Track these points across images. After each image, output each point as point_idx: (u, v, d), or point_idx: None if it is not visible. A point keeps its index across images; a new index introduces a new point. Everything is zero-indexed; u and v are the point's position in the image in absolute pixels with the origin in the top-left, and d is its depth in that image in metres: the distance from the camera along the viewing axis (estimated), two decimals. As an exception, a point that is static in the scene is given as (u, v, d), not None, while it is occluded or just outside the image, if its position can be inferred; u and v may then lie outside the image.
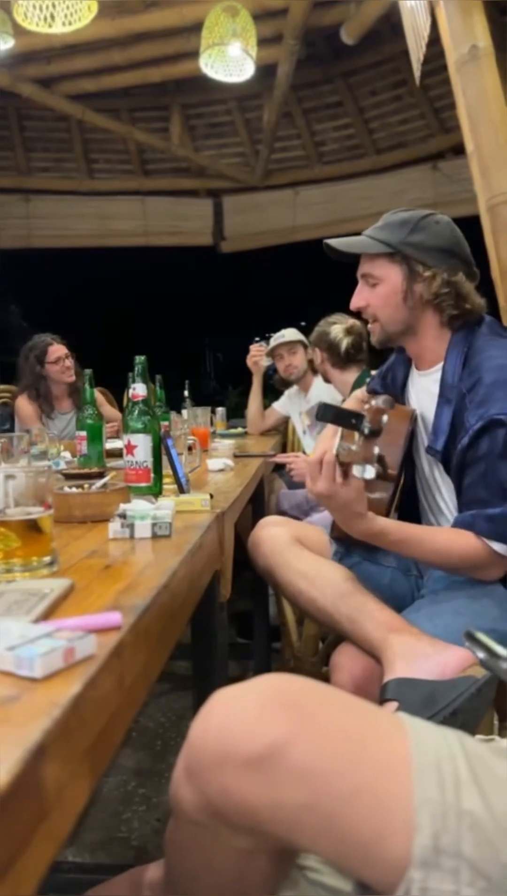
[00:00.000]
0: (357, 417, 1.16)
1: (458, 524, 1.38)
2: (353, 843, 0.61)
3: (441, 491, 1.58)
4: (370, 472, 1.17)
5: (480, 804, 0.61)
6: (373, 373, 2.75)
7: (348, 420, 1.16)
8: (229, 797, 0.61)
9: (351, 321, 2.78)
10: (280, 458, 2.88)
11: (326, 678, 2.24)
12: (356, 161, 6.48)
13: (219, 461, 2.15)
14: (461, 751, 0.66)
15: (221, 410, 3.68)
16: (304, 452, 3.45)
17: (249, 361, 3.54)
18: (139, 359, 1.63)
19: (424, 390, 1.58)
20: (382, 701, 1.20)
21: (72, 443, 2.73)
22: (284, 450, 3.65)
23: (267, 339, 3.50)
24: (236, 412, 4.93)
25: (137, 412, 1.61)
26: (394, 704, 1.16)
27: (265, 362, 3.51)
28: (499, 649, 0.80)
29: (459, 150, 6.21)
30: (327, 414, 1.17)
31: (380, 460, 1.20)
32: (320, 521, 2.06)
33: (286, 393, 3.61)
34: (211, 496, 1.45)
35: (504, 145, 2.82)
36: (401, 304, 1.52)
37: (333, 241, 1.58)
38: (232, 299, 9.13)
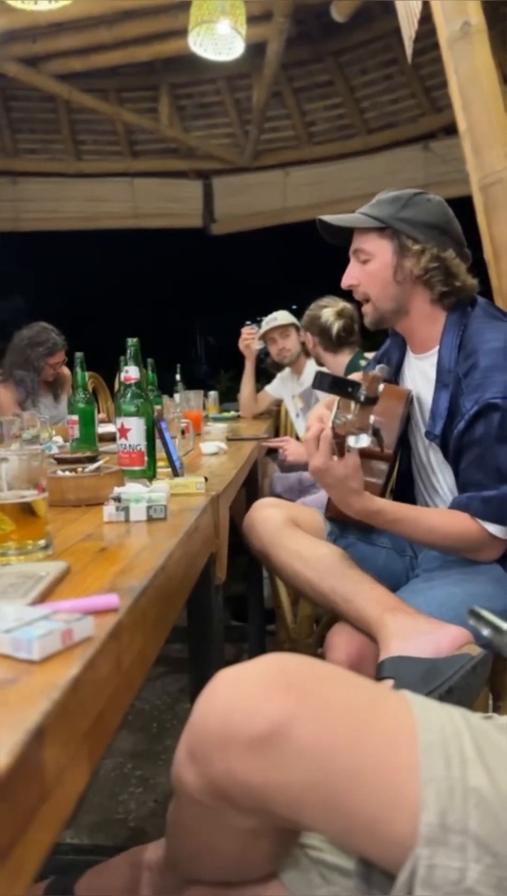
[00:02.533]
0: (353, 385, 1.16)
1: (454, 506, 1.39)
2: (359, 822, 0.61)
3: (437, 474, 1.58)
4: (365, 440, 1.17)
5: (486, 781, 0.61)
6: (367, 355, 2.75)
7: (344, 388, 1.17)
8: (234, 778, 0.61)
9: (341, 304, 2.77)
10: (272, 443, 2.87)
11: (322, 659, 2.25)
12: (347, 141, 6.43)
13: (212, 444, 2.14)
14: (465, 728, 0.66)
15: (213, 394, 3.66)
16: (297, 437, 3.45)
17: (242, 345, 3.52)
18: (132, 341, 1.61)
19: (420, 374, 1.58)
20: (377, 679, 1.20)
21: (63, 427, 2.72)
22: (276, 433, 3.64)
23: (259, 323, 3.48)
24: (228, 396, 4.91)
25: (129, 395, 1.59)
26: (390, 682, 1.17)
27: (258, 346, 3.50)
28: (505, 626, 0.80)
29: (450, 129, 6.18)
30: (323, 382, 1.17)
31: (376, 432, 1.20)
32: (313, 503, 2.05)
33: (279, 376, 3.59)
34: (206, 479, 1.45)
35: (497, 124, 2.80)
36: (391, 280, 1.52)
37: (325, 217, 1.57)
38: (223, 282, 9.08)
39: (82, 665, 0.60)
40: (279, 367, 3.50)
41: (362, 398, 1.15)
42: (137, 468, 1.55)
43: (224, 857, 0.70)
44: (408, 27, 3.17)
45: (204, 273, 8.83)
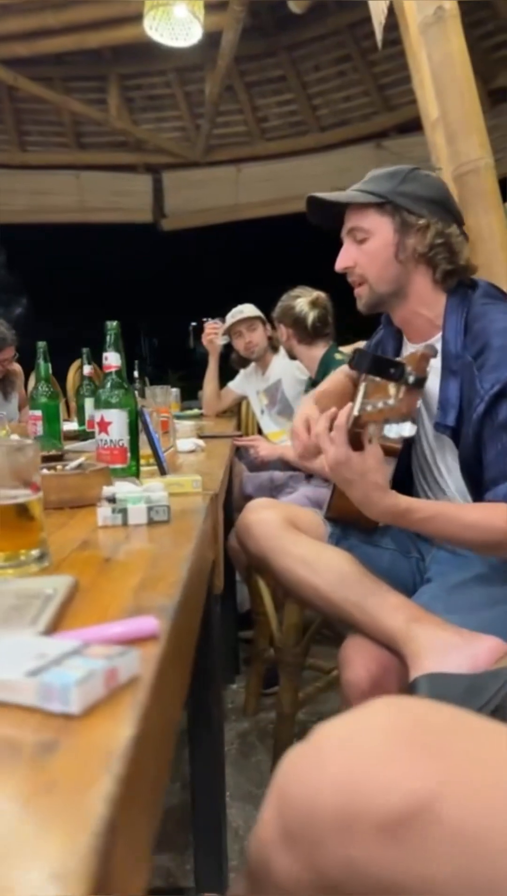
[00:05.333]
0: (396, 365, 1.01)
1: (493, 498, 1.25)
2: None
3: (443, 471, 1.45)
4: (409, 429, 1.02)
5: None
6: (342, 349, 2.63)
7: (386, 368, 1.01)
8: (355, 869, 0.46)
9: (316, 293, 2.64)
10: (244, 441, 2.73)
11: (316, 669, 2.11)
12: (300, 138, 6.33)
13: (189, 441, 1.99)
14: None
15: (175, 391, 3.50)
16: (260, 432, 3.32)
17: (205, 340, 3.37)
18: (111, 325, 1.45)
19: None
20: (412, 701, 1.07)
21: (20, 425, 2.52)
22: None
23: (222, 317, 3.34)
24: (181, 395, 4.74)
25: (110, 385, 1.43)
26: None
27: (222, 341, 3.35)
28: None
29: (403, 128, 6.16)
30: (362, 361, 1.01)
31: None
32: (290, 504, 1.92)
33: (242, 372, 3.45)
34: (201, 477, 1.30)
35: (472, 111, 2.71)
36: (392, 260, 1.39)
37: (318, 194, 1.44)
38: (172, 280, 8.89)
39: (138, 717, 0.44)
40: (245, 362, 3.35)
41: (410, 380, 0.99)
42: (118, 466, 1.39)
43: None
44: (379, 12, 3.06)
45: (153, 270, 8.63)
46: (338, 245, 1.50)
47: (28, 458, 0.79)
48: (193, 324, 3.45)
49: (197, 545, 0.89)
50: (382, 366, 1.00)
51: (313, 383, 2.64)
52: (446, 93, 2.74)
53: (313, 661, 2.08)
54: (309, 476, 2.63)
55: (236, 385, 3.49)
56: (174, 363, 8.13)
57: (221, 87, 5.44)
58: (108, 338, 1.45)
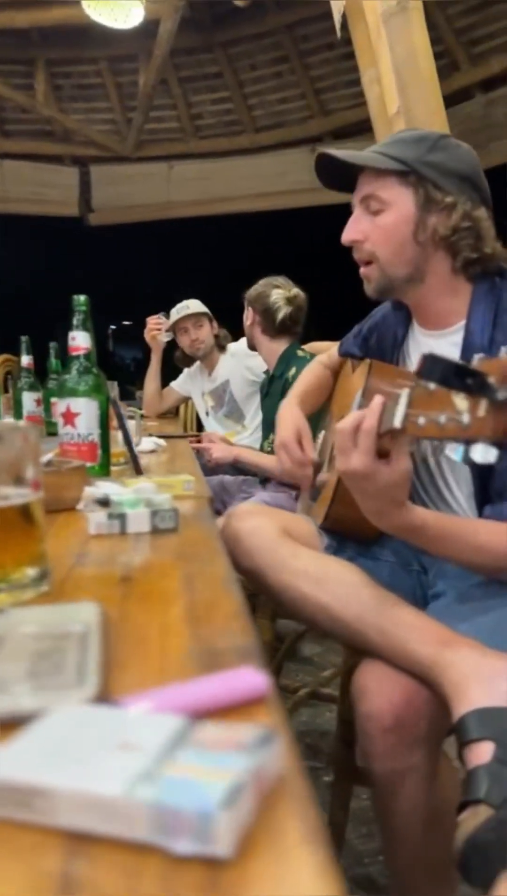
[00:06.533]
0: (474, 375, 0.81)
1: (501, 516, 1.11)
2: None
3: (450, 480, 1.30)
4: (493, 454, 0.83)
5: None
6: (305, 346, 2.48)
7: (463, 380, 0.81)
8: None
9: (295, 290, 2.47)
10: (202, 445, 2.55)
11: (281, 689, 1.93)
12: (234, 138, 6.20)
13: (149, 441, 1.79)
14: None
15: (114, 382, 3.26)
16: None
17: (147, 336, 3.16)
18: (79, 300, 1.24)
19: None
20: (464, 742, 0.91)
21: None
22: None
23: (166, 313, 3.14)
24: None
25: (77, 369, 1.22)
26: (488, 746, 0.88)
27: (165, 337, 3.15)
28: None
29: (338, 134, 6.11)
30: (434, 369, 0.80)
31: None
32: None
33: (186, 371, 3.26)
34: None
35: (435, 105, 2.63)
36: (409, 239, 1.22)
37: (332, 151, 1.26)
38: (98, 278, 8.58)
39: (319, 860, 0.26)
40: (189, 361, 3.16)
41: (499, 397, 0.80)
42: (87, 465, 1.19)
43: None
44: (339, 4, 2.95)
45: (77, 267, 8.30)
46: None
47: (26, 447, 0.59)
48: (113, 326, 3.23)
49: (228, 560, 0.70)
50: (459, 375, 0.81)
51: (270, 379, 2.48)
52: (409, 86, 2.65)
53: (282, 681, 1.91)
54: (265, 480, 2.47)
55: (179, 385, 3.29)
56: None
57: (156, 79, 5.25)
58: (75, 316, 1.24)
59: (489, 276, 1.26)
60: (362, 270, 1.30)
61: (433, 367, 0.78)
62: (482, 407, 0.77)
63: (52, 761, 0.29)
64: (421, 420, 0.85)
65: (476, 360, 0.80)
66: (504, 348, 0.81)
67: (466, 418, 0.79)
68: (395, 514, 1.03)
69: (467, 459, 0.82)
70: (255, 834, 0.28)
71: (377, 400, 1.00)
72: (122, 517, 0.81)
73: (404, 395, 0.90)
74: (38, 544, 0.59)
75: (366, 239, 1.25)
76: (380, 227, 1.23)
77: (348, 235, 1.27)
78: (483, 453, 0.79)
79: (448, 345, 1.26)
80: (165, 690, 0.38)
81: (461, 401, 0.80)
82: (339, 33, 2.89)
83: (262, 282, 2.46)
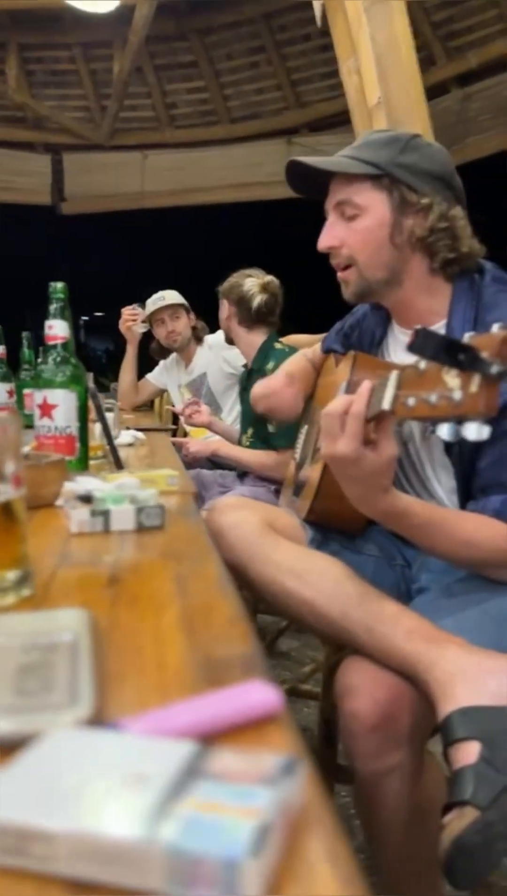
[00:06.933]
0: (467, 351, 0.79)
1: (485, 512, 1.09)
2: None
3: (432, 472, 1.28)
4: (486, 431, 0.81)
5: None
6: (283, 339, 2.45)
7: (454, 354, 0.79)
8: None
9: (268, 277, 2.44)
10: (178, 440, 2.51)
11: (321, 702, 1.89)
12: (210, 128, 6.13)
13: (127, 434, 1.75)
14: None
15: (90, 374, 3.20)
16: (178, 428, 3.10)
17: (122, 327, 3.10)
18: (56, 287, 1.20)
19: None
20: (450, 741, 0.89)
21: None
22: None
23: (142, 304, 3.08)
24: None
25: (54, 359, 1.18)
26: (474, 746, 0.86)
27: (141, 328, 3.09)
28: None
29: (314, 126, 6.07)
30: (426, 343, 0.78)
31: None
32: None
33: (162, 363, 3.21)
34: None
35: (416, 94, 2.61)
36: (386, 242, 1.20)
37: (303, 158, 1.24)
38: (70, 268, 8.44)
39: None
40: (166, 353, 3.11)
41: (492, 371, 0.78)
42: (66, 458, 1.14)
43: None
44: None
45: (49, 257, 8.17)
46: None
47: (6, 439, 0.55)
48: (85, 318, 3.16)
49: (220, 559, 0.67)
50: (451, 350, 0.79)
51: (249, 373, 2.44)
52: (389, 75, 2.62)
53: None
54: (243, 474, 2.44)
55: (156, 377, 3.24)
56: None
57: (132, 65, 5.16)
58: (52, 304, 1.20)
59: (468, 273, 1.24)
60: (340, 275, 1.28)
61: (426, 341, 0.76)
62: (475, 382, 0.76)
63: (49, 798, 0.26)
64: (411, 401, 0.83)
65: (467, 337, 0.78)
66: (496, 325, 0.79)
67: (457, 395, 0.77)
68: (380, 499, 1.01)
69: (457, 438, 0.80)
70: (280, 879, 0.24)
71: (366, 385, 0.97)
72: (105, 514, 0.78)
73: (393, 376, 0.88)
74: (20, 545, 0.56)
75: (342, 244, 1.23)
76: (356, 231, 1.22)
77: (324, 242, 1.26)
78: (477, 431, 0.77)
79: (430, 344, 1.24)
80: (169, 710, 0.35)
81: (451, 378, 0.78)
82: (320, 22, 2.86)
83: (234, 275, 2.43)
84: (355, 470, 0.98)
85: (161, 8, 5.02)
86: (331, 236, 1.24)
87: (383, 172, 1.19)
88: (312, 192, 1.29)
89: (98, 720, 0.34)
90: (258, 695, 0.36)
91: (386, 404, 0.88)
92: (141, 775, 0.27)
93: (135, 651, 0.45)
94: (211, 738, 0.32)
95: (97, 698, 0.36)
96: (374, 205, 1.20)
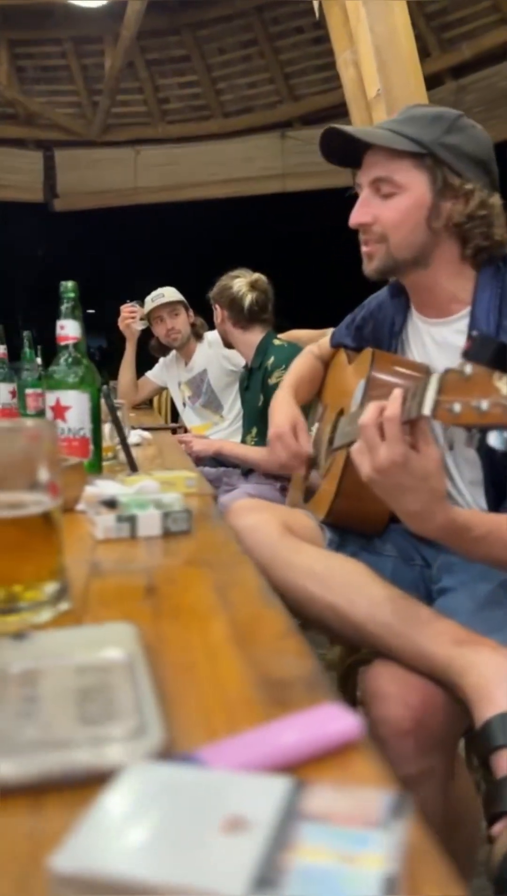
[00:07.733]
0: None
1: None
2: None
3: (455, 474, 1.25)
4: None
5: None
6: (281, 336, 2.42)
7: None
8: None
9: (256, 275, 2.43)
10: (181, 437, 2.48)
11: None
12: (202, 123, 6.09)
13: (134, 433, 1.72)
14: None
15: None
16: (184, 429, 3.07)
17: (121, 324, 3.07)
18: (67, 286, 1.17)
19: (436, 343, 1.24)
20: (492, 748, 0.87)
21: None
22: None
23: (140, 301, 3.05)
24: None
25: (66, 360, 1.15)
26: (513, 754, 0.84)
27: (140, 326, 3.06)
28: None
29: (307, 119, 6.04)
30: (484, 348, 0.75)
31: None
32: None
33: (162, 360, 3.18)
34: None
35: (416, 86, 2.58)
36: (422, 224, 1.16)
37: (343, 126, 1.19)
38: (63, 265, 8.38)
39: None
40: (165, 350, 3.09)
41: None
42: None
43: None
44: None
45: (41, 254, 8.11)
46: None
47: (40, 446, 0.53)
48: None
49: (257, 567, 0.65)
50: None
51: (249, 372, 2.42)
52: (389, 67, 2.60)
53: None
54: (247, 472, 2.42)
55: (155, 375, 3.22)
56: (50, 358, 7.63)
57: (123, 61, 5.12)
58: (63, 304, 1.17)
59: (493, 261, 1.21)
60: (365, 249, 1.23)
61: (483, 348, 0.73)
62: None
63: (149, 846, 0.23)
64: (456, 407, 0.80)
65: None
66: None
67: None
68: (439, 512, 0.95)
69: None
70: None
71: (397, 392, 0.95)
72: (132, 520, 0.75)
73: (434, 381, 0.85)
74: (57, 556, 0.53)
75: (376, 221, 1.18)
76: (393, 209, 1.16)
77: (357, 218, 1.20)
78: None
79: (453, 332, 1.22)
80: (243, 738, 0.33)
81: (505, 385, 0.75)
82: (318, 13, 2.83)
83: (222, 278, 2.42)
84: (405, 477, 0.92)
85: (152, 2, 4.98)
86: (364, 212, 1.18)
87: (427, 151, 1.14)
88: (343, 161, 1.24)
89: (170, 751, 0.32)
90: (336, 720, 0.34)
91: (427, 410, 0.83)
92: (239, 820, 0.25)
93: (187, 669, 0.43)
94: (291, 769, 0.30)
95: (166, 726, 0.34)
96: (414, 184, 1.15)
